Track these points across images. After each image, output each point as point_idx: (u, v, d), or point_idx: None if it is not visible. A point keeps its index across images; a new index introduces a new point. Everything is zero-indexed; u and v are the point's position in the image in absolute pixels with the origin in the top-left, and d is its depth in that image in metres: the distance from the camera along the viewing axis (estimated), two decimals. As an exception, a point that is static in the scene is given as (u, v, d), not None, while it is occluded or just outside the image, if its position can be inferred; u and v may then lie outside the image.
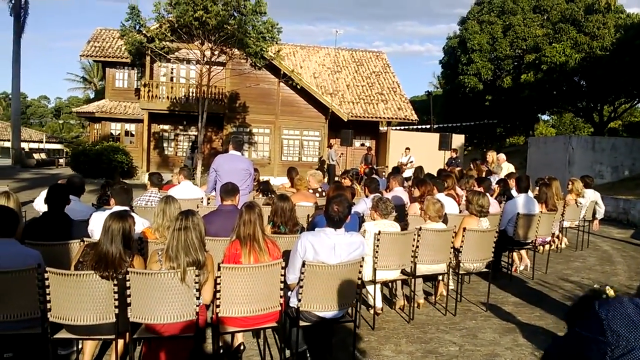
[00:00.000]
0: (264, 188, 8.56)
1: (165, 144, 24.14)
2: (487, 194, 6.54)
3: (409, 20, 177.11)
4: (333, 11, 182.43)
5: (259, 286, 3.84)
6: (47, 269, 3.58)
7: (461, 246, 5.67)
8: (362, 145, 25.23)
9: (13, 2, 28.59)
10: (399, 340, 4.89)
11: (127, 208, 4.85)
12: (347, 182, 8.63)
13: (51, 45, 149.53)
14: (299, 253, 3.95)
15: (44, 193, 6.46)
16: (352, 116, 24.54)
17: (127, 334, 3.70)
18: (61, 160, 31.11)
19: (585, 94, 27.82)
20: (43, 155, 33.18)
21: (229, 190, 5.28)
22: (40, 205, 5.92)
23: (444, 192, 7.08)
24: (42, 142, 42.71)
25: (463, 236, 5.66)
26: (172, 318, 3.58)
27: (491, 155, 12.82)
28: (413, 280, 5.59)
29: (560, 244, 9.46)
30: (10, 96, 47.08)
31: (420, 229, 5.42)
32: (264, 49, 17.72)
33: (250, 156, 23.15)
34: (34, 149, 35.94)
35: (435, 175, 9.04)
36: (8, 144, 33.46)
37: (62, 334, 3.75)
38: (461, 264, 5.79)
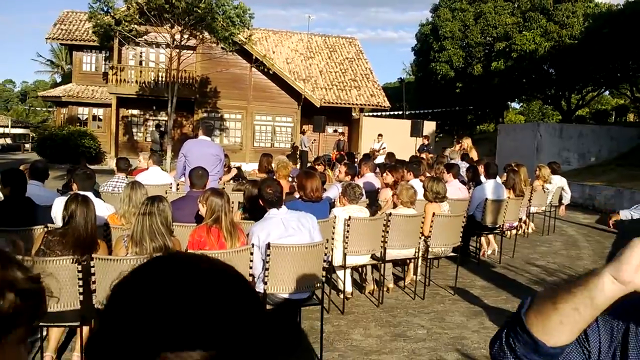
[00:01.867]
0: (236, 175, 8.49)
1: (134, 129, 23.71)
2: (442, 180, 6.55)
3: (383, 7, 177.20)
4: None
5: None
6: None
7: (430, 231, 5.73)
8: (335, 131, 25.22)
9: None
10: (368, 324, 4.93)
11: (90, 193, 4.75)
12: (320, 168, 8.62)
13: (18, 28, 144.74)
14: (255, 245, 3.96)
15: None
16: (324, 102, 24.48)
17: (93, 320, 3.63)
18: (27, 145, 30.30)
19: (554, 82, 28.33)
20: (8, 140, 32.28)
21: (200, 175, 5.21)
22: None
23: (418, 177, 7.13)
24: (7, 127, 41.50)
25: (432, 222, 5.72)
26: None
27: (466, 142, 12.90)
28: (383, 265, 5.62)
29: (527, 229, 9.65)
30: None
31: (390, 214, 5.45)
32: (233, 34, 17.47)
33: (222, 142, 22.92)
34: (0, 134, 34.95)
35: (407, 161, 9.09)
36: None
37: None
38: (430, 249, 5.85)
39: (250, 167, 15.59)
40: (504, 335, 1.00)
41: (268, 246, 3.87)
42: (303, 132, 22.15)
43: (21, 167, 6.16)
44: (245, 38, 18.96)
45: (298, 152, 22.29)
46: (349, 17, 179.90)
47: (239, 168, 8.89)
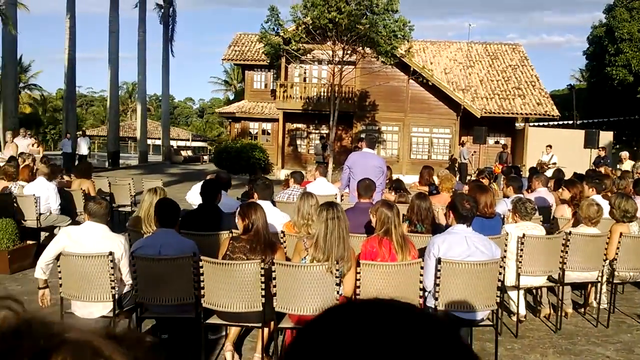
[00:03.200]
0: (396, 186, 8.50)
1: (298, 142, 25.10)
2: (632, 197, 5.85)
3: (547, 10, 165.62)
4: (463, 5, 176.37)
5: (398, 284, 3.82)
6: (202, 257, 3.87)
7: (616, 253, 5.17)
8: (496, 143, 24.06)
9: (162, 11, 31.39)
10: (546, 350, 4.58)
11: (269, 202, 5.10)
12: (485, 181, 8.28)
13: (196, 50, 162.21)
14: (433, 254, 3.88)
15: (195, 187, 7.01)
16: (485, 112, 23.50)
17: (272, 322, 3.88)
18: (205, 157, 33.70)
19: None
20: (189, 153, 36.18)
21: (367, 186, 5.32)
22: (192, 198, 6.42)
23: (601, 193, 6.50)
24: (188, 140, 46.52)
25: (618, 243, 5.16)
26: (315, 310, 3.68)
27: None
28: (561, 287, 5.20)
29: None
30: (160, 98, 51.88)
31: (570, 233, 5.03)
32: (395, 47, 17.63)
33: (379, 154, 23.14)
34: (182, 147, 39.33)
35: (586, 175, 8.34)
36: (159, 142, 36.92)
37: (214, 320, 4.01)
38: (615, 273, 5.28)
39: (408, 180, 15.51)
40: None
41: (439, 261, 3.80)
42: (462, 144, 21.49)
43: (207, 177, 6.86)
44: (405, 51, 19.02)
45: (457, 165, 21.69)
46: (509, 23, 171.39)
47: (397, 180, 8.89)
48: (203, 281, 3.82)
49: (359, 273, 3.76)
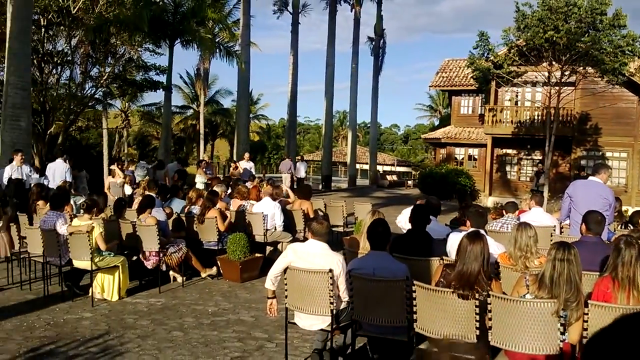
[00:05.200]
0: (634, 221, 7.52)
1: (507, 168, 23.88)
2: None
3: None
4: None
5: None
6: (414, 282, 3.92)
7: None
8: None
9: (373, 44, 32.92)
10: None
11: (482, 231, 4.95)
12: None
13: (400, 79, 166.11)
14: None
15: (405, 211, 7.17)
16: None
17: (487, 356, 3.74)
18: (409, 182, 34.09)
19: None
20: (394, 177, 36.96)
21: (599, 221, 4.81)
22: (403, 222, 6.56)
23: None
24: (393, 165, 47.64)
25: None
26: (533, 349, 3.45)
27: None
28: None
29: None
30: (368, 125, 54.12)
31: None
32: (623, 65, 15.81)
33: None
34: (387, 172, 40.42)
35: None
36: (366, 167, 38.50)
37: (424, 346, 4.02)
38: None
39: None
40: None
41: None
42: None
43: (417, 202, 6.95)
44: (635, 69, 16.92)
45: None
46: None
47: (638, 213, 7.84)
48: (416, 305, 3.86)
49: (587, 314, 3.42)
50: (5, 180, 10.33)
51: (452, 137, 25.11)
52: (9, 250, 7.64)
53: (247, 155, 17.51)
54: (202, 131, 33.96)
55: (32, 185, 10.66)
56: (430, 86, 27.82)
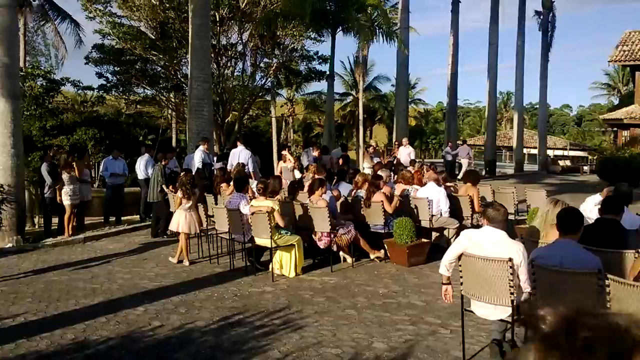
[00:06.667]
0: None
1: None
2: None
3: None
4: None
5: None
6: (608, 275, 3.61)
7: None
8: None
9: (541, 18, 30.40)
10: None
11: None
12: None
13: (571, 55, 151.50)
14: None
15: (589, 199, 6.63)
16: None
17: None
18: (585, 168, 31.02)
19: None
20: (567, 162, 33.94)
21: None
22: (587, 212, 6.06)
23: None
24: (565, 149, 43.78)
25: None
26: None
27: None
28: None
29: None
30: (535, 107, 50.33)
31: None
32: None
33: None
34: (558, 156, 37.22)
35: None
36: (534, 151, 35.95)
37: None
38: None
39: None
40: None
41: None
42: None
43: (605, 190, 6.35)
44: None
45: None
46: None
47: None
48: (609, 301, 3.55)
49: None
50: (199, 165, 11.60)
51: (637, 117, 22.31)
52: (198, 228, 8.56)
53: (405, 140, 17.43)
54: (360, 117, 34.47)
55: (215, 169, 11.90)
56: (609, 61, 24.94)
